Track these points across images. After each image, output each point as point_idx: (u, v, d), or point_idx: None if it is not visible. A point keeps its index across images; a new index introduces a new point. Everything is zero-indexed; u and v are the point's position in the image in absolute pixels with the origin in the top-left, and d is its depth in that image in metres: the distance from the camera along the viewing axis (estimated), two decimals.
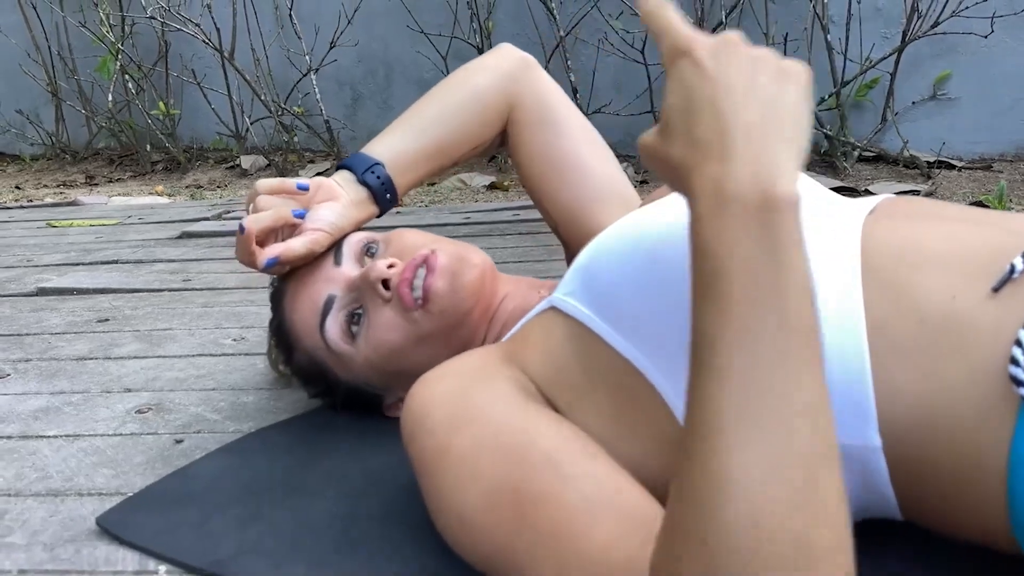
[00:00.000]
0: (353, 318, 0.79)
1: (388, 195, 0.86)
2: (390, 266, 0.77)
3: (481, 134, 0.91)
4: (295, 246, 0.80)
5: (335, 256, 0.82)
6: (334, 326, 0.79)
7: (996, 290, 0.51)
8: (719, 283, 0.44)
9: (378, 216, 0.88)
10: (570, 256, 0.94)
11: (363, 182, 0.85)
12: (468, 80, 0.91)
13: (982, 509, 0.51)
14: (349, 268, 0.81)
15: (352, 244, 0.83)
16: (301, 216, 0.82)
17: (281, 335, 0.86)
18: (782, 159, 0.45)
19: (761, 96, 0.47)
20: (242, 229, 0.79)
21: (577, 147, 0.91)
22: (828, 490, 0.42)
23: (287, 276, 0.85)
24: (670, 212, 0.66)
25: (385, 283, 0.77)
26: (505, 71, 0.91)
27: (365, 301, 0.79)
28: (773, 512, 0.41)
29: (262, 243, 0.81)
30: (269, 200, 0.83)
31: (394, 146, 0.88)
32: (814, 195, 0.65)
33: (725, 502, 0.41)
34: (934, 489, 0.53)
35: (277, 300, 0.86)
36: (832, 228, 0.60)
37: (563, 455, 0.56)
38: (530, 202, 0.96)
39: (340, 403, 0.89)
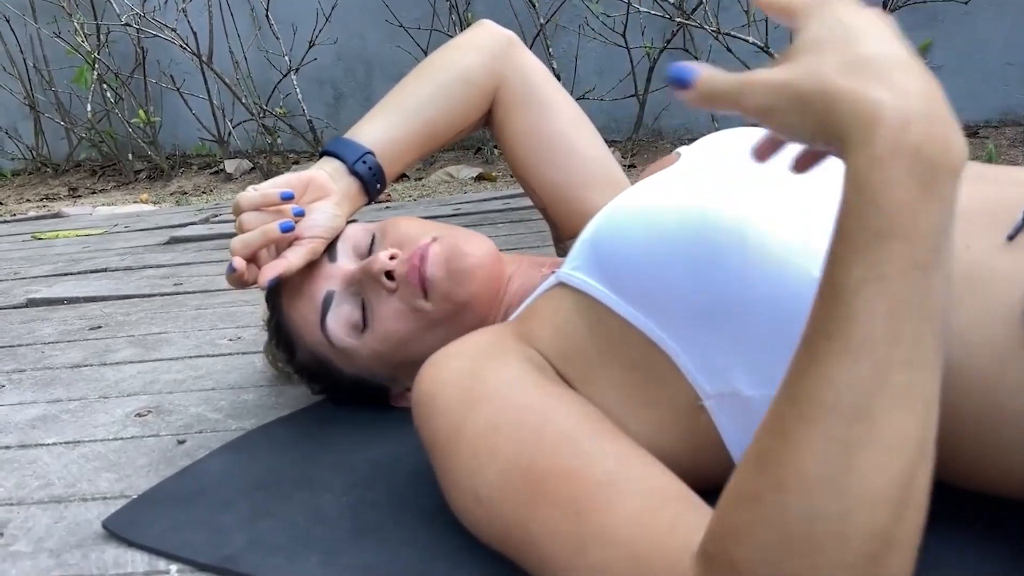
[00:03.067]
0: (356, 312, 0.78)
1: (378, 185, 0.85)
2: (392, 257, 0.76)
3: (469, 116, 0.90)
4: (294, 261, 0.77)
5: (329, 253, 0.80)
6: (336, 322, 0.78)
7: (1011, 238, 0.51)
8: (884, 242, 0.39)
9: (366, 204, 0.86)
10: (558, 237, 0.93)
11: (354, 172, 0.83)
12: (454, 61, 0.90)
13: (1007, 456, 0.50)
14: (346, 263, 0.79)
15: (347, 239, 0.81)
16: (289, 229, 0.77)
17: (281, 335, 0.84)
18: (946, 109, 0.41)
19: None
20: (232, 269, 0.76)
21: (564, 128, 0.90)
22: (921, 486, 0.40)
23: None
24: (675, 185, 0.66)
25: (388, 274, 0.75)
26: (490, 50, 0.90)
27: (367, 294, 0.77)
28: (871, 508, 0.39)
29: (255, 259, 0.78)
30: (255, 219, 0.78)
31: (383, 133, 0.86)
32: None
33: (826, 495, 0.39)
34: (955, 440, 0.52)
35: (273, 300, 0.85)
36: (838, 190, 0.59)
37: (581, 432, 0.55)
38: (519, 190, 0.94)
39: (345, 398, 0.87)
